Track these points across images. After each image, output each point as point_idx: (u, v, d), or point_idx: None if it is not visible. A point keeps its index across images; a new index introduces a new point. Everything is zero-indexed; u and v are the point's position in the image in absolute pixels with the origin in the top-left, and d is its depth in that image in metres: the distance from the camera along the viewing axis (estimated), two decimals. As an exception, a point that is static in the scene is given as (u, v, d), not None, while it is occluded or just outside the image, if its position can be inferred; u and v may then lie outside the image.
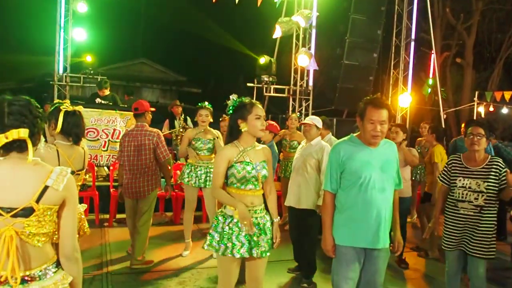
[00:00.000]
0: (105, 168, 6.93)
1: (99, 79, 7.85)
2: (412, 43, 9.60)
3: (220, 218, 2.54)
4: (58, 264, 1.62)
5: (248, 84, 8.85)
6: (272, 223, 2.64)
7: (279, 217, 2.73)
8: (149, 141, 4.15)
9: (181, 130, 7.61)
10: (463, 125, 6.27)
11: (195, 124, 5.51)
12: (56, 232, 1.59)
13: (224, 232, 2.47)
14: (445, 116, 10.98)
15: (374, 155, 2.55)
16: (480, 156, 3.11)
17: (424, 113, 15.15)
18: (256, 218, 2.52)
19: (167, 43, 20.16)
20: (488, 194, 3.02)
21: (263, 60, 8.60)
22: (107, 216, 5.80)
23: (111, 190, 5.96)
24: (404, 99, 9.43)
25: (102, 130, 6.61)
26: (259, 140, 2.69)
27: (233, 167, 2.49)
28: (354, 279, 2.57)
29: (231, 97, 2.67)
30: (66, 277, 1.60)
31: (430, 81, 11.63)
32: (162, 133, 4.42)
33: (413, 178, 6.20)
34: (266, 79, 8.49)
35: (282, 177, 5.99)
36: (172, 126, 7.71)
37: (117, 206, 5.73)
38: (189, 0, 17.99)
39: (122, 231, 5.15)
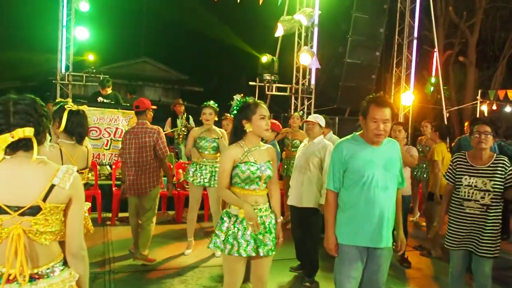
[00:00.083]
0: (107, 166, 6.94)
1: (101, 78, 7.87)
2: (415, 42, 9.57)
3: (225, 217, 2.55)
4: (65, 262, 1.63)
5: (250, 83, 8.85)
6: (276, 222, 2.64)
7: (281, 217, 2.74)
8: (150, 139, 4.20)
9: (183, 129, 7.62)
10: (466, 123, 6.25)
11: (197, 123, 5.51)
12: (63, 231, 1.60)
13: (229, 232, 2.48)
14: (447, 114, 10.95)
15: (377, 154, 2.54)
16: (486, 155, 3.09)
17: (426, 112, 15.11)
18: (261, 217, 2.52)
19: (169, 42, 20.15)
20: (494, 193, 3.01)
21: (265, 58, 8.59)
22: (109, 214, 5.82)
23: (114, 188, 5.98)
24: (407, 98, 9.42)
25: (105, 129, 6.62)
26: (261, 139, 2.69)
27: (238, 167, 2.49)
28: (357, 278, 2.57)
29: (235, 97, 2.67)
30: (73, 275, 1.61)
31: (433, 80, 11.59)
32: (164, 131, 4.44)
33: (414, 177, 6.20)
34: (268, 77, 8.49)
35: (284, 175, 5.99)
36: (174, 124, 7.71)
37: (119, 204, 5.74)
38: (191, -1, 18.00)
39: (125, 229, 5.16)
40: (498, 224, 3.05)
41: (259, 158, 2.55)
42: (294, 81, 9.11)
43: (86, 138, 3.07)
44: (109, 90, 7.34)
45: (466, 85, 16.66)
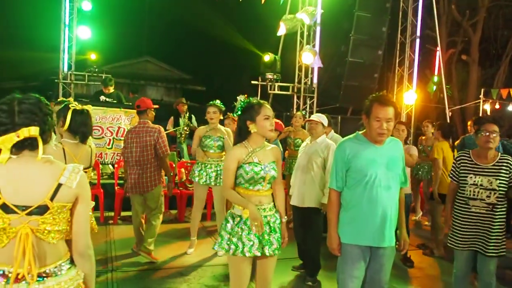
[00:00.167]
0: (110, 166, 6.95)
1: (103, 77, 7.88)
2: (417, 40, 9.56)
3: (229, 218, 2.56)
4: (71, 261, 1.64)
5: (253, 82, 8.85)
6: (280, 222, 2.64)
7: (286, 217, 2.74)
8: (151, 138, 4.23)
9: (185, 128, 7.62)
10: (469, 122, 6.23)
11: (200, 122, 5.51)
12: (69, 229, 1.61)
13: (234, 232, 2.49)
14: (450, 113, 10.93)
15: (379, 153, 2.54)
16: (491, 154, 3.09)
17: (429, 111, 15.07)
18: (266, 216, 2.52)
19: (172, 41, 20.14)
20: (500, 192, 3.00)
21: (267, 57, 8.58)
22: (112, 214, 5.83)
23: (116, 188, 5.98)
24: (409, 97, 9.40)
25: (107, 128, 6.63)
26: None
27: (242, 168, 2.50)
28: (360, 278, 2.57)
29: (238, 98, 2.66)
30: (80, 274, 1.63)
31: (436, 79, 11.54)
32: (166, 130, 4.45)
33: (417, 177, 6.19)
34: (270, 76, 8.48)
35: (287, 175, 5.98)
36: (176, 123, 7.71)
37: (122, 204, 5.75)
38: (193, -2, 17.98)
39: (127, 228, 5.18)
40: (503, 223, 3.05)
41: (264, 159, 2.55)
42: (296, 80, 9.09)
43: (90, 137, 3.08)
44: (111, 89, 7.36)
45: (469, 83, 16.60)
